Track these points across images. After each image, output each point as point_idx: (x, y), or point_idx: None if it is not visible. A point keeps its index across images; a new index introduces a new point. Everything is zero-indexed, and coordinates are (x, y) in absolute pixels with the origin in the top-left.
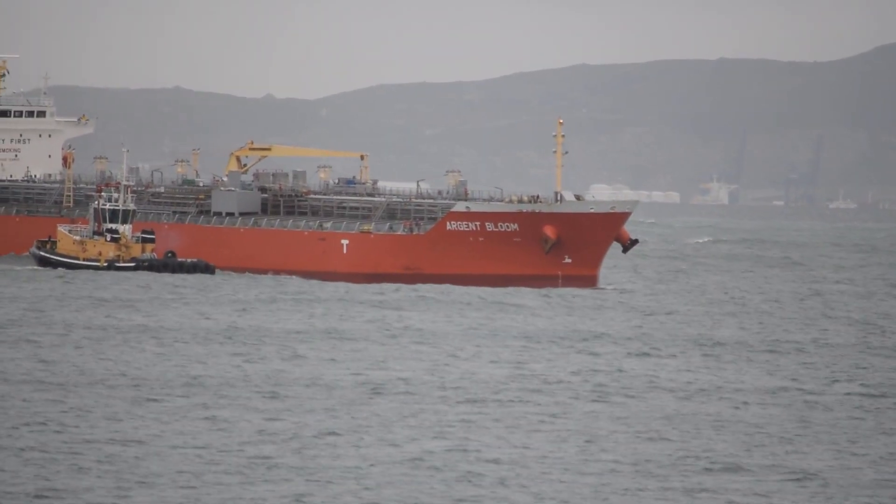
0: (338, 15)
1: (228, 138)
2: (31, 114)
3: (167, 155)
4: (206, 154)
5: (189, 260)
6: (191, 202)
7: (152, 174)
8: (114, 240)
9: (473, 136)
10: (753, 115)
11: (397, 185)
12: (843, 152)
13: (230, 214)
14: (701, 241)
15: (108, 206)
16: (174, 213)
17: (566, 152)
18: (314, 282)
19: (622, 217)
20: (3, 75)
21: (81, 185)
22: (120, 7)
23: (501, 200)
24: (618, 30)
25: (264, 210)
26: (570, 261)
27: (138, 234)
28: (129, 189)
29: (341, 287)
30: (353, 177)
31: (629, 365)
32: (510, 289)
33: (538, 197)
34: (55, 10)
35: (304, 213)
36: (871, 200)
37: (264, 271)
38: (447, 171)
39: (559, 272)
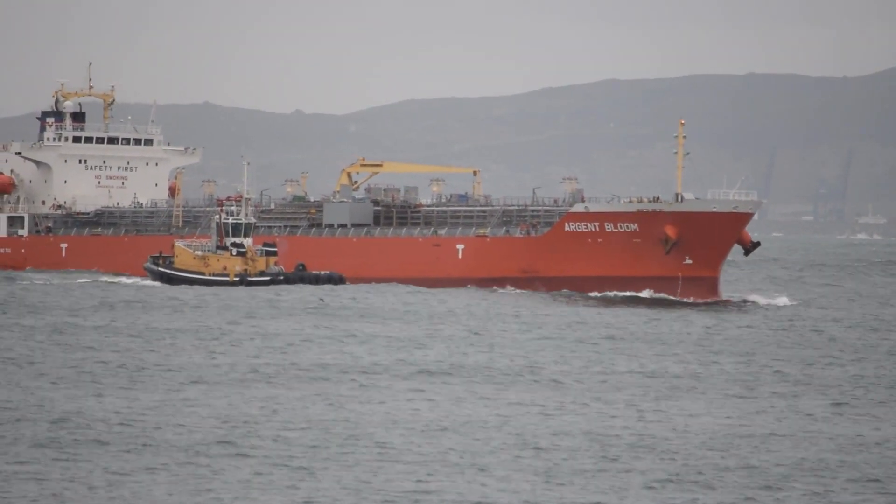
0: (367, 30)
1: (257, 154)
2: (138, 142)
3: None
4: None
5: (323, 273)
6: (302, 216)
7: (261, 193)
8: (240, 254)
9: (502, 151)
10: (782, 130)
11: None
12: (872, 167)
13: (342, 226)
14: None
15: (230, 220)
16: (285, 227)
17: (688, 153)
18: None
19: (745, 217)
20: (111, 103)
21: (187, 208)
22: (151, 22)
23: (620, 202)
24: (646, 45)
25: (376, 221)
26: (690, 262)
27: (260, 247)
28: (249, 202)
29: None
30: (466, 192)
31: None
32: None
33: (658, 197)
34: (87, 25)
35: (417, 224)
36: None
37: (378, 279)
38: (563, 179)
39: (679, 273)
